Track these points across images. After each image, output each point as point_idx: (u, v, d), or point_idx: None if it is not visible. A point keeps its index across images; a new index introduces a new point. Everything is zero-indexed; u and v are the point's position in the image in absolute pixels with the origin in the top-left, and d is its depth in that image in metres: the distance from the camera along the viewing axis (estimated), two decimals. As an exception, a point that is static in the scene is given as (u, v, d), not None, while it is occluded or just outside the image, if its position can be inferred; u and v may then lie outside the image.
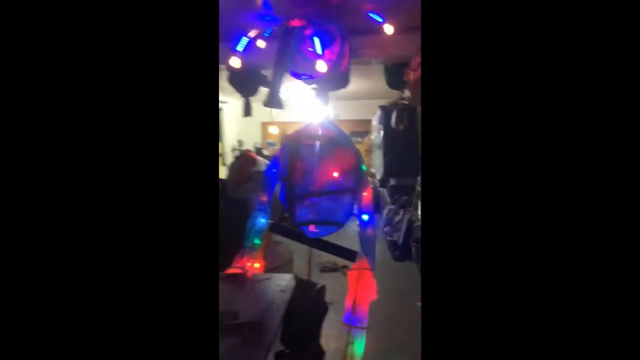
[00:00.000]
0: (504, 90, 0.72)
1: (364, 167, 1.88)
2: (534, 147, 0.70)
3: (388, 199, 4.92)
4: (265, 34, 2.08)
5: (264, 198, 1.90)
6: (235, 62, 1.85)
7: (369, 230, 1.86)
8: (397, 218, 4.10)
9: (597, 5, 0.68)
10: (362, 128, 7.71)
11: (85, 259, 0.71)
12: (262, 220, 1.86)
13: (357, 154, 1.84)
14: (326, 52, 1.85)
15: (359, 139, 7.96)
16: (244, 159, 3.10)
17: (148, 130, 0.74)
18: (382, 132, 4.99)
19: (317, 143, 1.75)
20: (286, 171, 1.76)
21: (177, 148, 0.75)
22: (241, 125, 7.51)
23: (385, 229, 4.27)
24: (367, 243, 1.84)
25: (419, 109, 4.02)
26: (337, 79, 1.96)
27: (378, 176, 5.45)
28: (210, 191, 0.78)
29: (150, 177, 0.74)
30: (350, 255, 1.83)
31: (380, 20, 1.82)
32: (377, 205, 5.73)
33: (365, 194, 1.85)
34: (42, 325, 0.68)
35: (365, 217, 1.85)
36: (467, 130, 0.73)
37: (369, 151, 6.97)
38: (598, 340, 0.66)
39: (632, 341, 0.65)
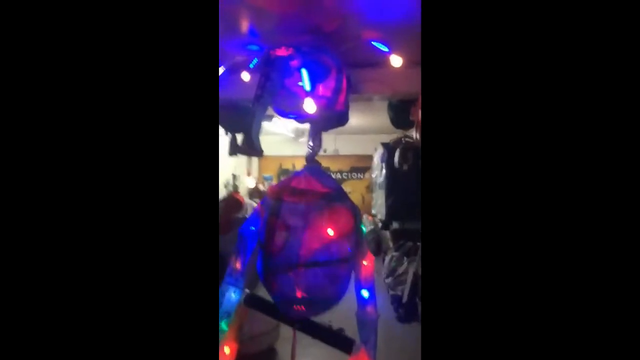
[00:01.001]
0: (506, 124, 0.71)
1: (364, 228, 1.51)
2: (536, 182, 0.69)
3: (391, 244, 4.50)
4: (250, 65, 1.78)
5: (238, 265, 1.52)
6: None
7: (370, 310, 1.46)
8: (401, 269, 3.67)
9: (594, 6, 0.68)
10: (363, 164, 7.40)
11: (82, 262, 0.70)
12: (232, 296, 1.47)
13: (356, 212, 1.46)
14: (319, 87, 1.52)
15: (360, 175, 7.64)
16: (227, 202, 2.71)
17: (146, 135, 0.74)
18: (384, 171, 4.63)
19: (304, 200, 1.38)
20: (264, 236, 1.38)
21: (176, 161, 0.76)
22: (237, 157, 7.16)
23: (387, 280, 3.83)
24: (366, 327, 1.44)
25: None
26: (333, 119, 1.62)
27: (379, 217, 5.05)
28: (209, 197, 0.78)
29: (148, 179, 0.74)
30: (345, 344, 1.42)
31: (386, 50, 1.49)
32: (378, 249, 5.30)
33: (365, 262, 1.47)
34: (39, 325, 0.68)
35: (365, 293, 1.46)
36: (468, 165, 0.73)
37: (370, 189, 6.62)
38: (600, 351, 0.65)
39: (632, 341, 0.64)
